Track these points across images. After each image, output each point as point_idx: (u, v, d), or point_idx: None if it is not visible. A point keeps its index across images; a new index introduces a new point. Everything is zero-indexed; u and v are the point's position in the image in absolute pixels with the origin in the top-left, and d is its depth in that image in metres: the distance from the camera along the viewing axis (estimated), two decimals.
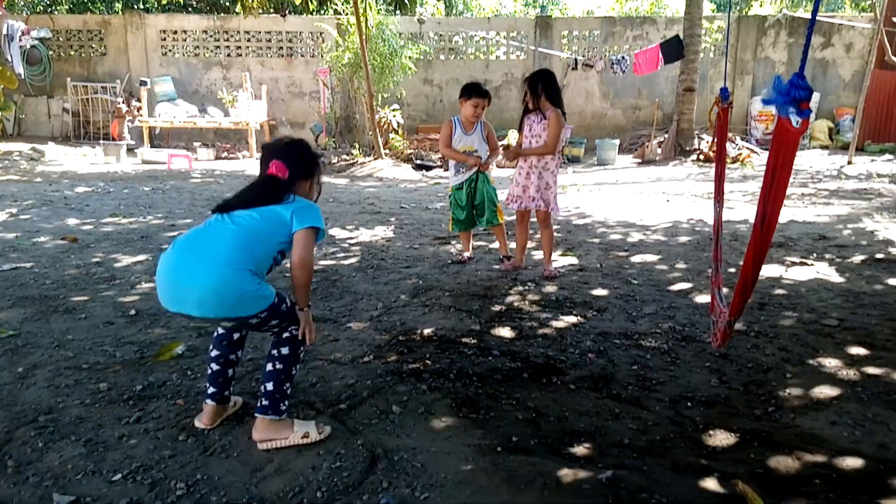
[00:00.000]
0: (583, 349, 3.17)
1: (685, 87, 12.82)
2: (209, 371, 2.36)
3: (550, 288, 4.20)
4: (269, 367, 2.24)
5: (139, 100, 12.52)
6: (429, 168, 11.61)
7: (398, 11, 11.38)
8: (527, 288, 4.22)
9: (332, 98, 14.03)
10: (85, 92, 13.61)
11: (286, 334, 2.26)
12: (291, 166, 2.34)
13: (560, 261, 4.94)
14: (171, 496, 1.91)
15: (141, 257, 4.82)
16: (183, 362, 2.93)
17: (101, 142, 11.85)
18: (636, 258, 5.09)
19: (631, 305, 3.91)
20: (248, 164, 11.61)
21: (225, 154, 12.60)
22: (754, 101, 14.83)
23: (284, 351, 2.26)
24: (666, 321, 3.64)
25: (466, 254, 4.96)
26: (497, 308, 3.80)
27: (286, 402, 2.24)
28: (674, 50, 12.36)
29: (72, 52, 14.22)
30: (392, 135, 12.88)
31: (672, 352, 3.18)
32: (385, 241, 5.66)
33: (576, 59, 13.15)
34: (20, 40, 11.73)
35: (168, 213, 6.69)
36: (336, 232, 5.97)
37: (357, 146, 12.88)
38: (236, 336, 2.39)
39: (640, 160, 12.95)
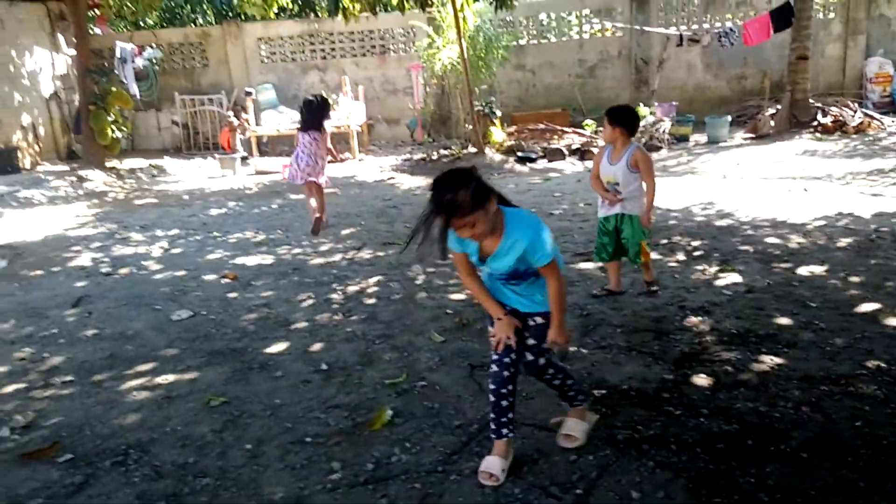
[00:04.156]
0: (793, 401, 3.06)
1: (798, 55, 12.10)
2: None
3: (726, 319, 4.06)
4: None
5: (245, 110, 12.90)
6: (532, 160, 11.45)
7: (497, 7, 11.11)
8: (700, 319, 4.10)
9: (426, 93, 14.01)
10: (192, 104, 14.14)
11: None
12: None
13: (724, 278, 4.78)
14: None
15: (303, 295, 4.98)
16: (397, 431, 3.00)
17: (217, 155, 12.29)
18: (801, 270, 4.86)
19: (820, 337, 3.74)
20: (356, 169, 11.78)
21: (329, 158, 12.82)
22: (869, 63, 13.81)
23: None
24: (867, 357, 3.47)
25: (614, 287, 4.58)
26: (679, 347, 3.72)
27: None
28: (784, 17, 11.78)
29: (175, 66, 14.75)
30: (490, 128, 12.75)
31: (891, 401, 3.02)
32: None
33: (681, 36, 12.58)
34: (133, 62, 12.26)
35: (305, 235, 6.87)
36: None
37: (456, 140, 12.84)
38: None
39: (753, 135, 12.32)
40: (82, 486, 2.74)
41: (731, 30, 12.19)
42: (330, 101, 7.34)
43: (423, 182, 10.05)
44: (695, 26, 14.34)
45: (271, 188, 9.97)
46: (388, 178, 10.65)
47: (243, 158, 12.28)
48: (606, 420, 2.97)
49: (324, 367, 3.73)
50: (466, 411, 3.15)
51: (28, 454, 3.00)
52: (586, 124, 12.41)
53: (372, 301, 4.81)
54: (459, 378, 3.50)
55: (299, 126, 7.14)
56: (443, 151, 12.69)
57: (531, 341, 2.64)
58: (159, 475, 2.78)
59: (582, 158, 11.13)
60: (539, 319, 2.62)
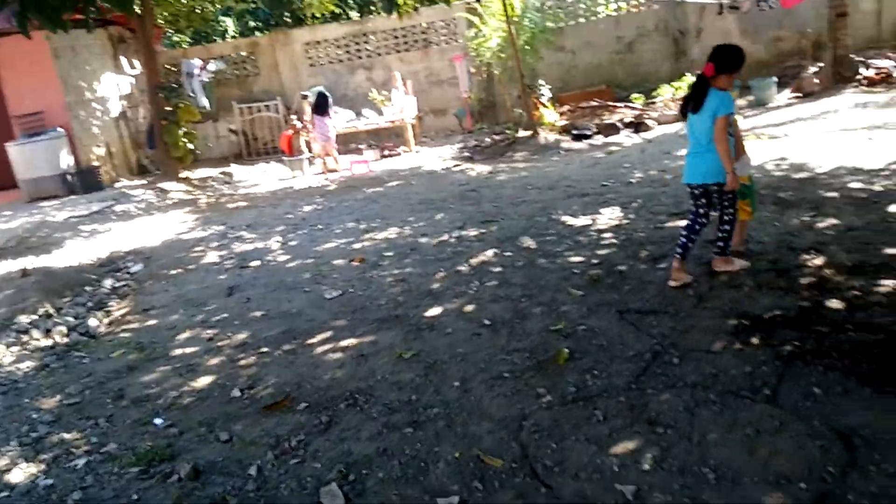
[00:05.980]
0: None
1: (838, 12, 12.41)
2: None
3: (837, 254, 4.46)
4: (723, 224, 4.27)
5: (303, 113, 13.45)
6: (588, 136, 11.84)
7: None
8: (813, 256, 4.50)
9: (472, 82, 14.43)
10: (249, 112, 14.76)
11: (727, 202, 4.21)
12: (717, 65, 4.14)
13: (822, 221, 5.17)
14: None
15: (432, 269, 5.46)
16: (580, 364, 3.48)
17: (284, 158, 12.87)
18: (893, 208, 5.22)
19: None
20: (416, 160, 12.26)
21: (387, 153, 13.33)
22: None
23: (727, 215, 4.22)
24: None
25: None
26: (803, 280, 4.13)
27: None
28: None
29: (227, 76, 15.37)
30: (541, 109, 13.15)
31: None
32: (625, 224, 6.03)
33: (720, 4, 12.83)
34: (199, 76, 12.91)
35: (402, 221, 7.36)
36: (570, 220, 6.40)
37: (507, 124, 13.27)
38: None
39: (799, 94, 12.57)
40: (330, 424, 3.26)
41: None
42: (329, 96, 12.47)
43: (488, 168, 10.49)
44: None
45: (346, 183, 10.50)
46: (454, 166, 11.11)
47: (309, 159, 12.83)
48: (766, 341, 3.42)
49: (486, 322, 4.22)
50: (633, 345, 3.61)
51: (268, 407, 3.54)
52: (635, 97, 12.77)
53: (499, 269, 5.28)
54: (613, 322, 3.96)
55: (314, 111, 12.22)
56: (496, 136, 13.14)
57: None
58: (392, 410, 3.29)
59: (637, 131, 11.50)
60: None
